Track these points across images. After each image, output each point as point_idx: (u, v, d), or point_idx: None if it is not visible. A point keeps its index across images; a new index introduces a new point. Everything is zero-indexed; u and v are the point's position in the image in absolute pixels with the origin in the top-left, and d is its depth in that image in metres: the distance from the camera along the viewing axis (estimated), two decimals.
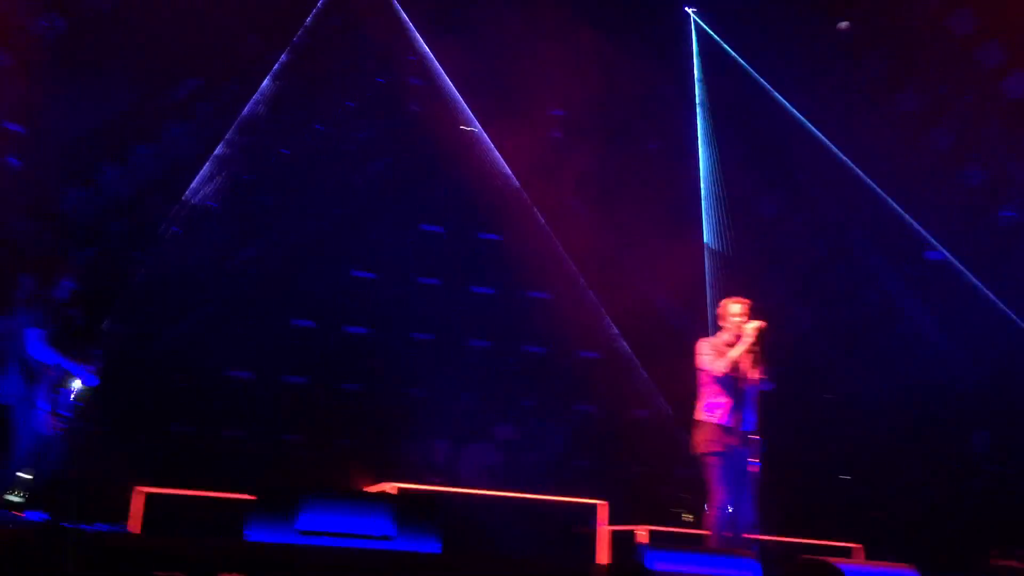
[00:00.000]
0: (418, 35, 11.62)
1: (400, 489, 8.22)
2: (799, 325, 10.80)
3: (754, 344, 6.60)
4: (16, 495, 7.39)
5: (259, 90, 11.00)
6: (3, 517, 6.08)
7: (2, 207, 9.58)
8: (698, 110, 11.71)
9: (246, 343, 10.51)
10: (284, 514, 5.32)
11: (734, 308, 6.77)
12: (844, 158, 11.02)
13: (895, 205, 10.99)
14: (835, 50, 10.48)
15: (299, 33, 11.18)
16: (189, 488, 8.26)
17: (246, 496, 6.17)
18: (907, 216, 10.99)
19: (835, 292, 11.53)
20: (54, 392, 6.27)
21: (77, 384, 6.38)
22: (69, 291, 6.48)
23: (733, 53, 11.33)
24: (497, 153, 11.92)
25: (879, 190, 10.99)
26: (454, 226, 11.85)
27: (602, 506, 8.67)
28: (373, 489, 8.64)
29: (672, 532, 9.21)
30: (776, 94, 11.24)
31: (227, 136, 10.88)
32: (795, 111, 11.19)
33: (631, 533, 8.38)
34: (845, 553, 8.52)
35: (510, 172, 11.91)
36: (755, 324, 6.64)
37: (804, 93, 10.95)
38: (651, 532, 8.26)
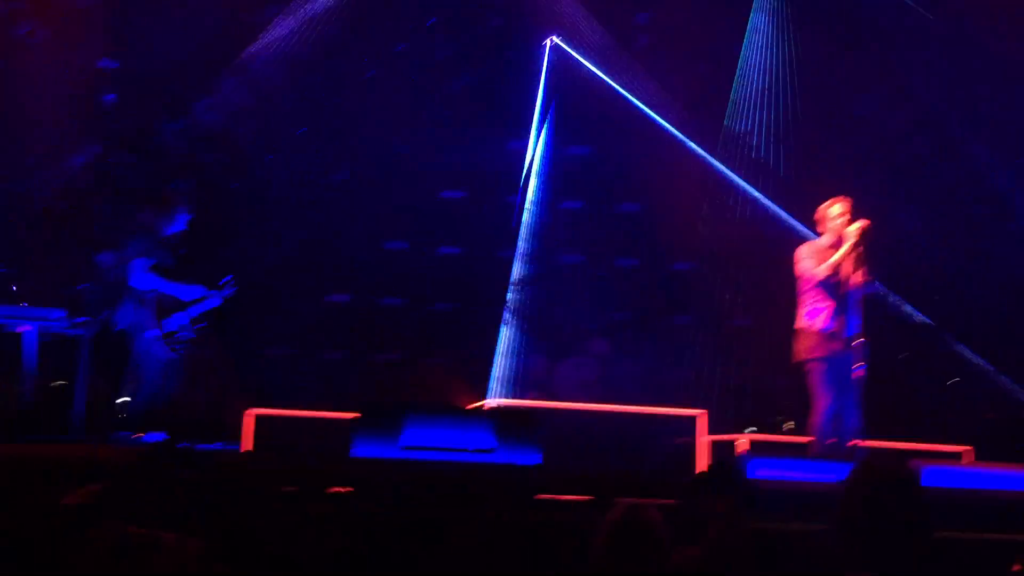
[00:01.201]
0: None
1: (498, 405, 8.34)
2: (903, 225, 10.40)
3: (856, 245, 6.38)
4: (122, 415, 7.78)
5: (338, 11, 10.96)
6: (122, 438, 6.38)
7: (101, 141, 9.86)
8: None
9: (341, 267, 10.69)
10: (388, 431, 5.45)
11: (835, 210, 6.55)
12: (949, 42, 10.42)
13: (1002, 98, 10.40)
14: None
15: None
16: (293, 408, 8.54)
17: (350, 415, 6.34)
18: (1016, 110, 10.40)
19: (940, 189, 11.04)
20: (165, 317, 6.49)
21: (193, 307, 6.57)
22: (186, 223, 6.67)
23: None
24: (585, 63, 11.66)
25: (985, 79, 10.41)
26: (541, 143, 11.71)
27: (701, 416, 8.64)
28: (471, 406, 8.79)
29: (773, 441, 9.14)
30: None
31: (310, 60, 10.90)
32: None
33: (731, 443, 8.35)
34: (954, 457, 8.33)
35: (595, 83, 11.66)
36: (857, 225, 6.42)
37: None
38: (752, 442, 8.21)
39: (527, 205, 11.65)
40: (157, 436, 6.35)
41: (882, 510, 2.54)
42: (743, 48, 11.47)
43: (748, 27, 11.38)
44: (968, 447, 8.41)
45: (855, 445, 6.26)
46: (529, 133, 11.71)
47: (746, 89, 11.39)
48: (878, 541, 2.50)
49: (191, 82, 10.28)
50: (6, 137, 9.20)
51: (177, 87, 10.20)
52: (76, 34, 9.44)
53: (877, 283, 6.56)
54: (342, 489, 5.18)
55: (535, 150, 11.72)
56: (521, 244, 11.54)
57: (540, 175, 11.71)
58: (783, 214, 11.07)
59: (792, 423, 10.06)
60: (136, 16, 9.90)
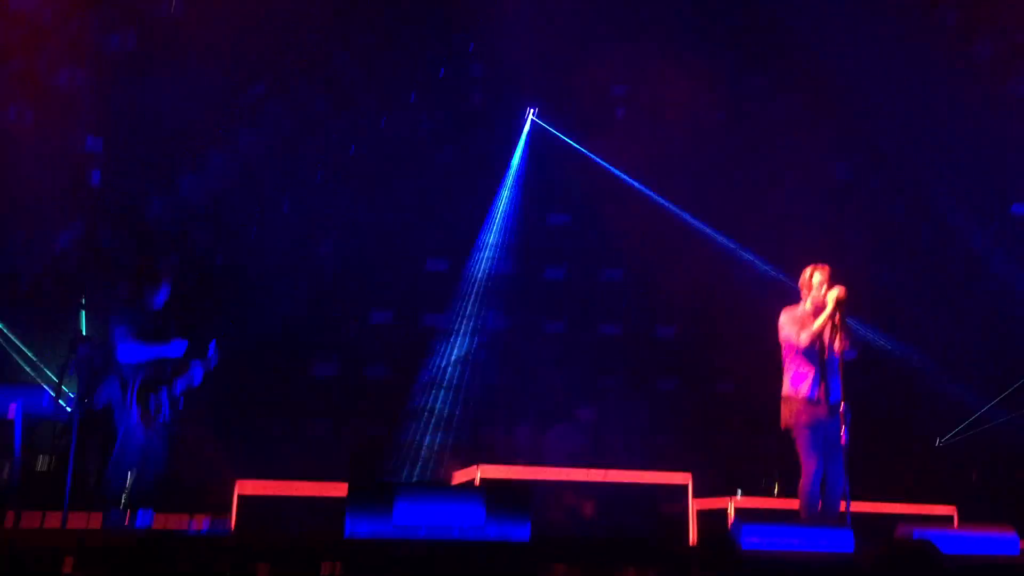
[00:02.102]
0: (472, 24, 11.64)
1: (485, 476, 8.32)
2: (882, 288, 10.56)
3: (835, 313, 6.49)
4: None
5: (322, 90, 11.17)
6: (113, 517, 6.33)
7: (88, 218, 9.92)
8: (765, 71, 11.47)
9: (327, 338, 10.72)
10: (380, 508, 5.44)
11: (816, 277, 6.66)
12: (924, 107, 10.71)
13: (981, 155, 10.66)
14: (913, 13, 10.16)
15: (359, 33, 11.31)
16: (282, 479, 8.48)
17: (339, 489, 6.32)
18: (989, 170, 10.65)
19: (918, 252, 11.23)
20: (150, 393, 6.44)
21: (177, 383, 6.56)
22: (167, 295, 6.68)
23: None
24: (561, 135, 11.89)
25: (958, 142, 10.67)
26: (523, 212, 11.87)
27: (688, 480, 8.66)
28: (461, 474, 8.77)
29: (759, 506, 9.15)
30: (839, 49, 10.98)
31: (295, 136, 11.08)
32: (862, 67, 10.91)
33: (720, 509, 8.36)
34: (939, 519, 8.37)
35: (576, 153, 11.88)
36: (835, 292, 6.53)
37: (873, 47, 10.65)
38: (738, 507, 8.23)
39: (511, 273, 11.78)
40: (147, 514, 6.31)
41: None
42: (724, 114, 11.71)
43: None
44: (950, 507, 8.46)
45: (843, 510, 6.30)
46: (512, 203, 11.88)
47: (725, 154, 11.62)
48: None
49: (177, 158, 10.40)
50: None
51: (163, 163, 10.32)
52: (62, 114, 9.57)
53: (856, 349, 6.63)
54: (336, 563, 5.17)
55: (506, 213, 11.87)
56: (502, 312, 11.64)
57: (518, 242, 11.85)
58: (767, 274, 11.22)
59: (778, 487, 10.10)
60: (121, 95, 10.05)
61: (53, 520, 6.34)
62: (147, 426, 6.40)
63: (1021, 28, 10.05)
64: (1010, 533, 5.95)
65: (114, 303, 6.78)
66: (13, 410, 7.14)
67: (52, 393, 7.05)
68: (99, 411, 7.37)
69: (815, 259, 6.96)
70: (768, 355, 7.37)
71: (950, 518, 8.41)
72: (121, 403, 6.41)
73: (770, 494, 10.29)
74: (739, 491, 9.77)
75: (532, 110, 11.91)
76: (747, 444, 11.03)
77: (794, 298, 6.92)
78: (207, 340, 7.45)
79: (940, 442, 10.30)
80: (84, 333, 8.16)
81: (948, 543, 5.75)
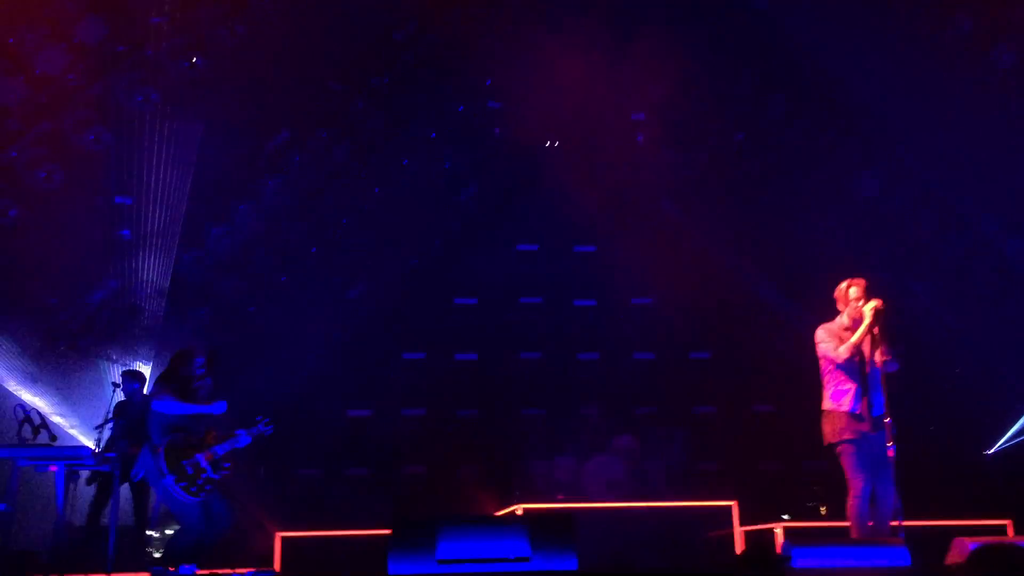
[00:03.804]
0: (490, 59, 11.74)
1: (527, 510, 8.25)
2: (918, 301, 10.43)
3: (873, 325, 6.40)
4: (157, 552, 7.70)
5: (344, 134, 11.28)
6: (157, 573, 6.31)
7: (120, 276, 10.03)
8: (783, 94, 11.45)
9: (362, 381, 10.74)
10: (423, 546, 5.40)
11: (852, 291, 6.58)
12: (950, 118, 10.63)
13: (1003, 165, 10.52)
14: (921, 9, 10.10)
15: (377, 75, 11.43)
16: (323, 528, 8.46)
17: (379, 531, 6.29)
18: (1017, 176, 10.50)
19: (950, 263, 11.09)
20: (183, 460, 6.42)
21: (221, 446, 6.55)
22: (201, 367, 6.70)
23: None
24: (583, 164, 11.92)
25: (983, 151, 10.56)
26: (549, 243, 11.88)
27: (734, 506, 8.54)
28: (501, 513, 8.69)
29: (808, 527, 8.99)
30: (861, 65, 10.94)
31: (320, 183, 11.18)
32: (881, 80, 10.85)
33: (767, 532, 8.22)
34: (995, 530, 8.18)
35: (598, 182, 11.89)
36: (872, 304, 6.44)
37: (891, 59, 10.61)
38: (785, 529, 8.09)
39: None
40: (188, 568, 6.28)
41: None
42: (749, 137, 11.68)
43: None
44: (1007, 519, 8.26)
45: (894, 525, 6.16)
46: (536, 235, 11.90)
47: (747, 176, 11.56)
48: None
49: (205, 212, 10.51)
50: (27, 278, 9.37)
51: (192, 217, 10.42)
52: (92, 174, 9.70)
53: (897, 362, 6.52)
54: None
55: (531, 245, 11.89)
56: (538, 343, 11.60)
57: (549, 276, 11.83)
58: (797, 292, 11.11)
59: (825, 508, 9.92)
60: (148, 153, 10.18)
61: None
62: (192, 492, 6.36)
63: None
64: None
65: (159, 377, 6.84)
66: (56, 470, 7.16)
67: (91, 447, 7.07)
68: (137, 483, 7.41)
69: (846, 275, 6.89)
70: (804, 373, 7.27)
71: (1004, 528, 8.20)
72: (154, 472, 6.39)
73: (817, 515, 10.12)
74: (785, 515, 9.62)
75: (551, 144, 11.94)
76: (790, 466, 10.87)
77: (826, 315, 6.85)
78: (244, 395, 7.47)
79: (989, 453, 10.10)
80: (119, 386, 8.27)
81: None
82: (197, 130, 10.00)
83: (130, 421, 7.51)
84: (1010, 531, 8.11)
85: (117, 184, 9.99)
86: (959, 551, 5.47)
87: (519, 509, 8.29)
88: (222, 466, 6.50)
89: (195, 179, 10.13)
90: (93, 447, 7.10)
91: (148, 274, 10.39)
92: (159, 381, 6.68)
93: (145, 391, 8.41)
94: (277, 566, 7.98)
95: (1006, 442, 10.21)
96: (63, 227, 9.36)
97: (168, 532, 8.34)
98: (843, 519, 6.66)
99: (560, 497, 9.80)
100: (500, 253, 11.78)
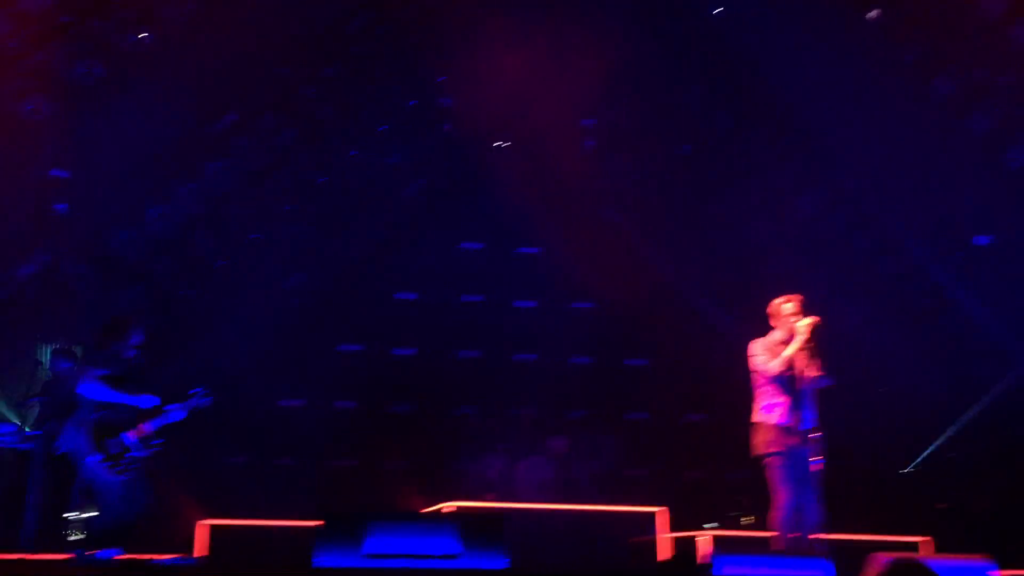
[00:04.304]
0: (443, 56, 11.71)
1: (458, 508, 8.24)
2: (848, 320, 10.66)
3: (808, 341, 6.53)
4: (77, 534, 7.52)
5: (292, 121, 11.16)
6: (79, 557, 6.16)
7: (53, 251, 9.77)
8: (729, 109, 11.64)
9: (295, 371, 10.60)
10: (351, 539, 5.35)
11: (787, 307, 6.70)
12: (881, 148, 10.91)
13: (937, 192, 10.84)
14: (868, 37, 10.35)
15: (328, 64, 11.33)
16: (249, 518, 8.34)
17: (308, 523, 6.21)
18: (950, 203, 10.83)
19: (882, 285, 11.38)
20: (106, 438, 6.28)
21: (153, 422, 6.41)
22: (138, 343, 6.55)
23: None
24: (531, 166, 11.95)
25: (920, 177, 10.87)
26: (493, 242, 11.88)
27: (661, 513, 8.63)
28: (430, 510, 8.67)
29: (733, 536, 9.13)
30: (805, 87, 11.17)
31: (264, 169, 11.03)
32: (825, 103, 11.10)
33: (692, 540, 8.32)
34: (913, 547, 8.39)
35: (545, 185, 11.93)
36: (808, 320, 6.57)
37: (836, 84, 10.85)
38: (714, 537, 8.19)
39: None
40: (111, 552, 6.14)
41: None
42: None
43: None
44: (926, 537, 8.48)
45: (817, 539, 6.29)
46: (480, 234, 11.89)
47: (691, 187, 11.71)
48: None
49: (143, 190, 10.30)
50: None
51: (129, 195, 10.20)
52: (30, 144, 9.44)
53: (830, 378, 6.67)
54: None
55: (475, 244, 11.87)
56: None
57: (491, 275, 11.83)
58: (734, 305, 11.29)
59: (752, 518, 10.08)
60: (88, 125, 9.94)
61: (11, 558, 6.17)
62: (117, 471, 6.22)
63: (979, 64, 10.28)
64: (987, 561, 5.95)
65: (89, 350, 6.62)
66: None
67: (15, 424, 6.87)
68: (59, 456, 7.22)
69: (783, 290, 7.03)
70: (738, 386, 7.39)
71: (917, 546, 8.42)
72: (79, 450, 6.24)
73: (739, 525, 10.28)
74: (713, 524, 9.76)
75: (500, 144, 11.94)
76: (717, 476, 11.03)
77: (762, 329, 6.97)
78: (177, 378, 7.33)
79: (907, 470, 10.37)
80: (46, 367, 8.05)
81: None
82: (141, 107, 9.80)
83: (56, 400, 7.31)
84: (925, 549, 8.33)
85: (54, 157, 9.75)
86: (874, 567, 5.59)
87: (448, 506, 8.28)
88: (150, 443, 6.37)
89: (135, 157, 9.93)
90: (17, 424, 6.90)
91: (81, 250, 10.15)
92: (88, 358, 6.50)
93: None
94: (200, 553, 7.84)
95: (920, 461, 10.49)
96: None
97: (87, 515, 8.12)
98: (767, 529, 6.79)
99: (490, 496, 9.80)
100: (443, 250, 11.74)
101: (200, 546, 7.81)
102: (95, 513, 6.38)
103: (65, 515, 8.00)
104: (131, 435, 6.29)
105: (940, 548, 8.24)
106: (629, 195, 11.80)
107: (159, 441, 6.39)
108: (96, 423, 6.26)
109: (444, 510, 8.27)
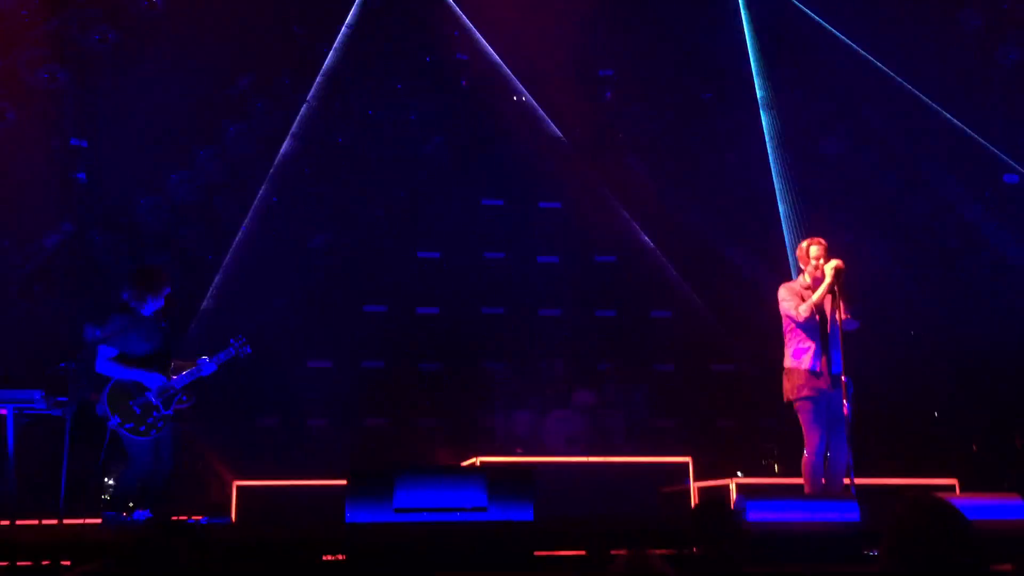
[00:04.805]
0: (459, 10, 11.59)
1: (484, 463, 8.28)
2: (878, 261, 10.54)
3: (834, 284, 6.45)
4: (106, 496, 7.64)
5: (309, 82, 11.11)
6: (110, 519, 6.26)
7: (76, 220, 9.82)
8: (751, 52, 11.43)
9: (323, 332, 10.64)
10: (380, 495, 5.39)
11: (813, 250, 6.63)
12: (908, 85, 10.69)
13: (966, 129, 10.62)
14: None
15: (344, 22, 11.24)
16: (280, 478, 8.44)
17: (339, 482, 6.27)
18: (980, 139, 10.61)
19: (913, 225, 11.21)
20: (129, 400, 6.33)
21: (182, 377, 6.46)
22: (164, 297, 6.57)
23: None
24: (550, 120, 11.84)
25: (948, 115, 10.65)
26: (514, 198, 11.80)
27: (688, 462, 8.63)
28: (461, 464, 8.72)
29: (761, 483, 9.12)
30: (831, 28, 10.96)
31: (283, 130, 11.01)
32: (851, 42, 10.87)
33: (723, 487, 8.33)
34: (943, 489, 8.34)
35: (564, 138, 11.83)
36: (833, 264, 6.49)
37: (860, 21, 10.62)
38: (738, 484, 8.20)
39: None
40: (144, 514, 6.24)
41: (936, 550, 2.56)
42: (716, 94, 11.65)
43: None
44: (952, 479, 8.44)
45: (848, 483, 6.27)
46: (501, 190, 11.81)
47: (714, 132, 11.56)
48: None
49: (165, 157, 10.30)
50: None
51: (151, 162, 10.22)
52: (47, 114, 9.46)
53: (857, 320, 6.60)
54: (336, 557, 5.12)
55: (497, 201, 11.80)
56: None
57: (513, 231, 11.78)
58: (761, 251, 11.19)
59: (778, 464, 10.08)
60: (107, 94, 9.94)
61: (49, 523, 6.28)
62: (141, 431, 6.28)
63: None
64: (1016, 500, 5.91)
65: (111, 311, 6.62)
66: (4, 413, 7.06)
67: (44, 392, 6.95)
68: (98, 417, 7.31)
69: (810, 233, 6.95)
70: (766, 333, 7.34)
71: (952, 489, 8.38)
72: (102, 413, 6.32)
73: (771, 472, 10.27)
74: (739, 471, 9.76)
75: (517, 98, 11.83)
76: (746, 424, 11.01)
77: (787, 274, 6.90)
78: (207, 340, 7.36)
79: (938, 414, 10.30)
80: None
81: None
82: (157, 72, 9.78)
83: (88, 366, 7.39)
84: (957, 491, 8.28)
85: (73, 126, 9.77)
86: (900, 505, 5.57)
87: (477, 461, 8.32)
88: (181, 399, 6.42)
89: (154, 123, 9.93)
90: (46, 391, 6.97)
91: (105, 219, 10.19)
92: (110, 327, 6.50)
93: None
94: (233, 515, 7.95)
95: (954, 406, 10.36)
96: (16, 168, 9.14)
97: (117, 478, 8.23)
98: (797, 475, 6.77)
99: (519, 450, 9.85)
100: (465, 207, 11.68)
101: (233, 506, 7.92)
102: (136, 480, 6.46)
103: (99, 479, 8.14)
104: (155, 393, 6.34)
105: (970, 490, 8.18)
106: (650, 144, 11.67)
107: (187, 398, 6.43)
108: (119, 384, 6.31)
109: (472, 465, 8.32)
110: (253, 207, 10.86)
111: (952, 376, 10.41)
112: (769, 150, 11.33)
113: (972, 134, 10.57)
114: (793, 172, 11.09)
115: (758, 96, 11.40)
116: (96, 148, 9.94)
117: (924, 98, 10.66)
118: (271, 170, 10.99)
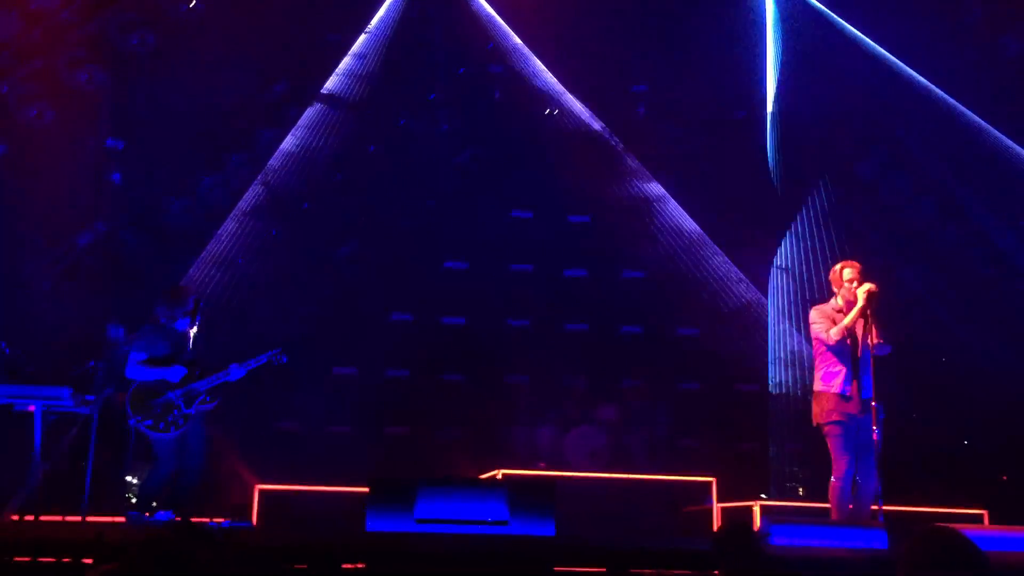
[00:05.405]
0: (494, 22, 11.62)
1: (506, 476, 8.24)
2: (911, 287, 10.42)
3: (867, 308, 6.38)
4: (132, 495, 7.68)
5: (343, 89, 11.16)
6: (133, 519, 6.28)
7: (108, 220, 9.91)
8: (769, 70, 11.38)
9: (349, 339, 10.65)
10: (402, 504, 5.37)
11: (847, 273, 6.57)
12: (946, 104, 10.58)
13: (1008, 154, 10.50)
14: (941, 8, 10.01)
15: (377, 29, 11.30)
16: (302, 483, 8.43)
17: (361, 489, 6.26)
18: (1018, 167, 10.49)
19: (946, 252, 11.08)
20: (151, 400, 6.41)
21: (206, 381, 6.53)
22: (187, 313, 6.66)
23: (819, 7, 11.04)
24: (582, 134, 11.82)
25: (988, 139, 10.53)
26: (543, 211, 11.79)
27: (713, 483, 8.55)
28: (483, 476, 8.68)
29: (786, 506, 9.02)
30: (869, 43, 10.88)
31: (315, 138, 11.06)
32: (891, 59, 10.78)
33: (747, 509, 8.24)
34: (971, 520, 8.21)
35: (596, 152, 11.80)
36: (866, 287, 6.42)
37: (900, 42, 10.54)
38: (763, 507, 8.11)
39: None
40: (166, 515, 6.26)
41: None
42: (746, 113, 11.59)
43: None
44: (982, 510, 8.30)
45: (876, 509, 6.17)
46: (530, 202, 11.79)
47: (746, 152, 11.49)
48: None
49: (199, 160, 10.39)
50: (15, 216, 9.26)
51: (184, 164, 10.30)
52: (84, 115, 9.56)
53: (889, 345, 6.52)
54: (356, 565, 5.09)
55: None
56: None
57: (541, 244, 11.76)
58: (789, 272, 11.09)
59: (803, 489, 9.95)
60: (143, 97, 10.03)
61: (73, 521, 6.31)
62: (161, 429, 6.34)
63: None
64: None
65: (144, 325, 6.78)
66: (33, 410, 7.11)
67: (73, 390, 7.01)
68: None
69: (842, 258, 6.89)
70: (793, 354, 7.26)
71: (980, 518, 8.24)
72: (127, 412, 6.40)
73: (796, 495, 10.15)
74: (763, 494, 9.65)
75: (550, 111, 11.83)
76: (770, 446, 10.89)
77: (819, 297, 6.83)
78: (233, 344, 7.41)
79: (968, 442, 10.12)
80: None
81: (982, 542, 5.61)
82: (193, 76, 9.86)
83: (112, 365, 7.45)
84: (986, 521, 8.15)
85: (109, 126, 9.87)
86: (911, 535, 5.47)
87: (499, 474, 8.28)
88: (204, 400, 6.47)
89: (189, 126, 10.02)
90: (74, 388, 7.04)
91: (137, 220, 10.27)
92: (139, 334, 6.66)
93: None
94: (254, 518, 7.95)
95: (987, 433, 10.21)
96: (52, 167, 9.24)
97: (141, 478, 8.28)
98: (823, 500, 6.67)
99: (541, 465, 9.79)
100: (493, 219, 11.67)
101: (255, 511, 7.92)
102: (149, 474, 6.51)
103: (124, 478, 8.18)
104: (177, 394, 6.41)
105: (997, 521, 8.05)
106: (681, 162, 11.62)
107: (210, 398, 6.48)
108: (143, 384, 6.40)
109: (494, 477, 8.28)
110: (283, 213, 10.92)
111: (984, 405, 10.25)
112: (803, 171, 11.24)
113: (1012, 155, 10.45)
114: (830, 194, 11.00)
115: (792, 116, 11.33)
116: (131, 150, 10.04)
117: (961, 119, 10.56)
118: (300, 177, 11.04)
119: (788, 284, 10.95)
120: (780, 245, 11.14)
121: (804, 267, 10.84)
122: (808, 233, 10.83)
